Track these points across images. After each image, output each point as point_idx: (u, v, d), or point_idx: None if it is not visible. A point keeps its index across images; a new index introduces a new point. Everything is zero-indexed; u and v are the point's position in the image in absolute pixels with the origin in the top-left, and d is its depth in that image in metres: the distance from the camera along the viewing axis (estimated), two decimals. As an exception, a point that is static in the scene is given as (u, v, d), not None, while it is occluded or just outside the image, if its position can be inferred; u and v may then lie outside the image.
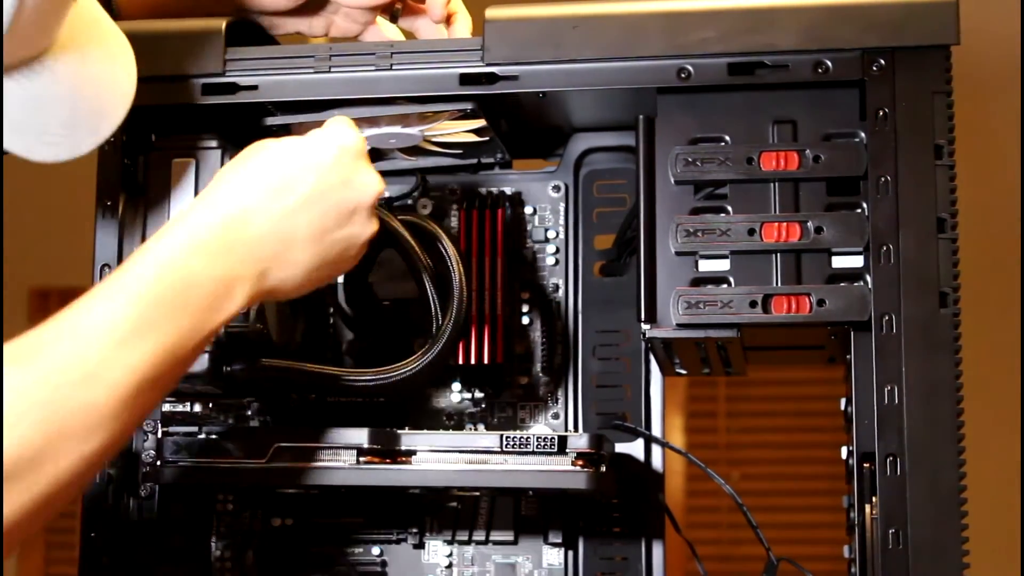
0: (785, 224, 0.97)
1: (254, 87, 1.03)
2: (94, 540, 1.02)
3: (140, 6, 1.12)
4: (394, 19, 1.13)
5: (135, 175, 1.05)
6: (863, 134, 0.97)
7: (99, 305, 0.84)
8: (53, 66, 0.88)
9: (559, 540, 1.11)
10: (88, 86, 0.90)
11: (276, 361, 1.01)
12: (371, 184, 0.95)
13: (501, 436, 0.99)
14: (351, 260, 0.96)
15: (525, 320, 1.15)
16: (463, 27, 1.12)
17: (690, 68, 0.99)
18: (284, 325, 1.07)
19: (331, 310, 1.15)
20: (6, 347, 0.81)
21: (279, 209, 0.91)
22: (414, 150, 1.10)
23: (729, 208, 0.98)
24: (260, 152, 0.93)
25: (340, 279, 1.12)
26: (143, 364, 0.84)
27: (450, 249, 1.02)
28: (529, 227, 1.15)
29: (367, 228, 0.95)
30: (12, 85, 0.86)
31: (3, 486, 0.77)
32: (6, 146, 0.88)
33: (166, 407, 1.07)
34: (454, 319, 1.01)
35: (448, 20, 1.11)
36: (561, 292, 1.15)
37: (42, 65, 0.87)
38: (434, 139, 1.08)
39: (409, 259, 1.03)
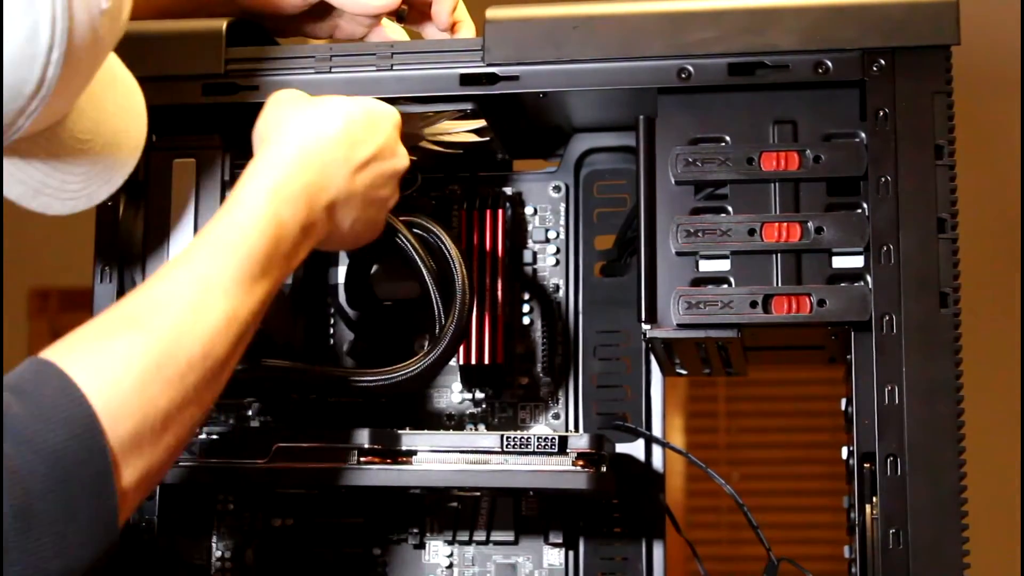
0: (785, 224, 0.97)
1: (254, 87, 1.03)
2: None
3: (143, 7, 1.12)
4: (400, 20, 1.13)
5: (135, 175, 1.05)
6: (863, 134, 0.97)
7: (206, 261, 0.87)
8: (72, 128, 0.89)
9: (559, 540, 1.11)
10: (104, 141, 0.92)
11: (278, 362, 1.01)
12: (406, 156, 1.01)
13: (502, 436, 0.99)
14: (379, 225, 1.01)
15: (525, 320, 1.15)
16: (467, 35, 1.12)
17: (690, 68, 0.99)
18: (285, 326, 1.07)
19: (331, 311, 1.15)
20: (117, 310, 0.83)
21: (348, 162, 0.96)
22: (414, 150, 1.10)
23: (729, 208, 0.98)
24: (314, 102, 0.98)
25: (341, 279, 1.12)
26: (251, 314, 0.88)
27: (452, 249, 1.02)
28: (529, 227, 1.15)
29: (395, 195, 1.01)
30: (36, 150, 0.87)
31: (132, 454, 0.79)
32: (26, 204, 0.89)
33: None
34: (457, 319, 1.00)
35: (452, 28, 1.11)
36: (561, 292, 1.15)
37: (62, 127, 0.88)
38: (434, 139, 1.08)
39: (411, 259, 1.03)
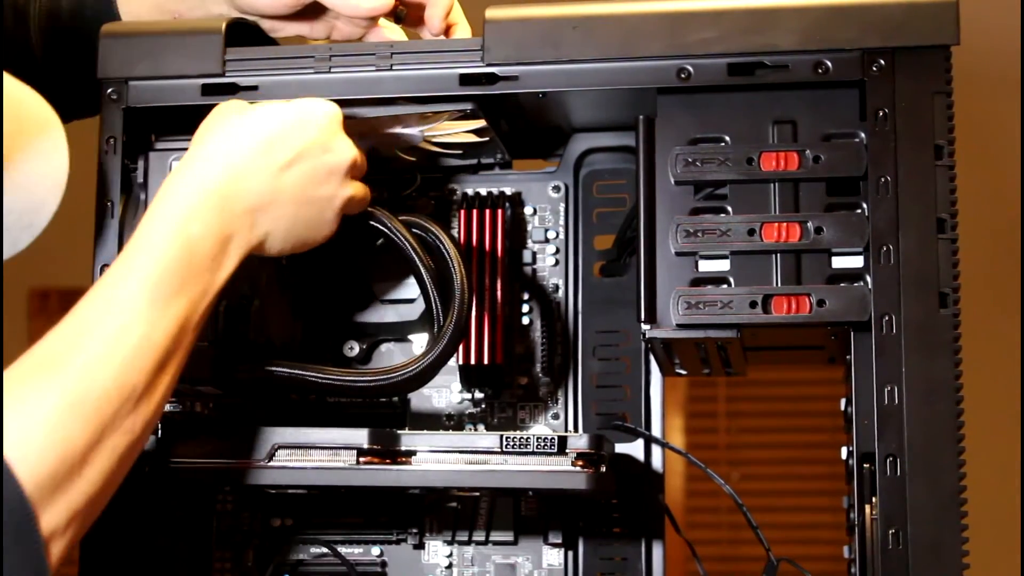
0: (785, 224, 0.97)
1: (254, 87, 1.03)
2: (94, 541, 1.02)
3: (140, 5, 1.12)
4: (399, 20, 1.13)
5: (135, 175, 1.05)
6: (863, 134, 0.97)
7: (115, 291, 0.87)
8: None
9: (559, 540, 1.11)
10: (16, 188, 0.92)
11: (278, 362, 1.01)
12: (347, 150, 0.98)
13: (501, 436, 0.99)
14: (328, 224, 0.99)
15: (525, 320, 1.15)
16: (462, 37, 1.12)
17: (690, 68, 0.99)
18: (284, 327, 1.07)
19: (330, 311, 1.15)
20: (31, 356, 0.83)
21: (267, 165, 0.94)
22: (414, 150, 1.10)
23: (729, 208, 0.98)
24: (243, 110, 0.97)
25: (340, 280, 1.12)
26: (168, 336, 0.87)
27: (451, 249, 1.02)
28: (529, 227, 1.15)
29: (341, 192, 0.98)
30: None
31: (54, 496, 0.80)
32: None
33: (167, 407, 1.07)
34: (456, 319, 1.00)
35: (447, 32, 1.11)
36: (561, 292, 1.15)
37: None
38: (434, 139, 1.08)
39: (410, 259, 1.03)
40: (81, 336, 0.84)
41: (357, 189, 1.00)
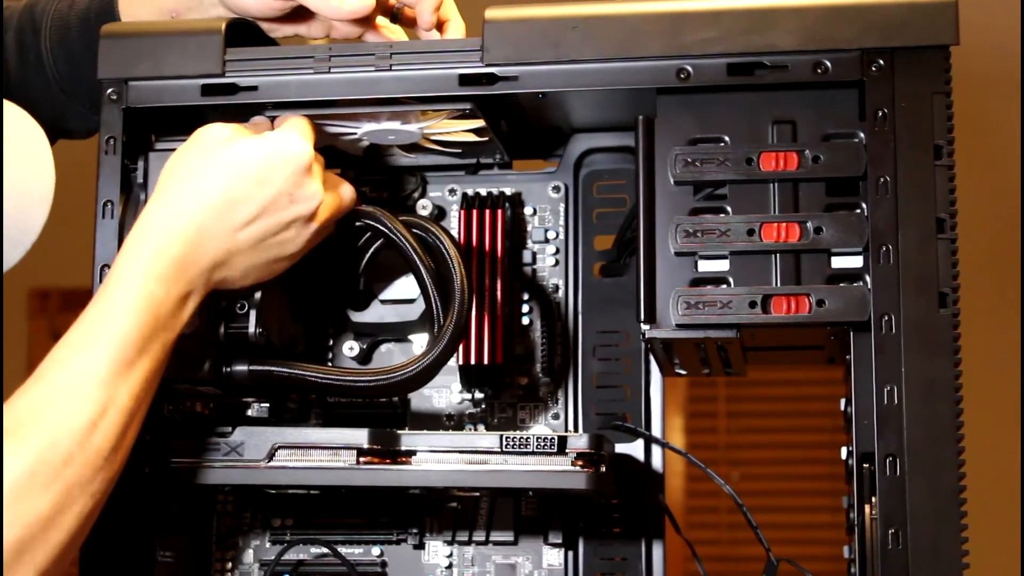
0: (785, 224, 0.97)
1: (254, 88, 1.03)
2: (94, 541, 1.02)
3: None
4: (395, 19, 1.13)
5: (135, 175, 1.05)
6: (863, 134, 0.97)
7: (80, 357, 0.88)
8: None
9: (559, 540, 1.11)
10: (3, 207, 0.91)
11: (279, 363, 1.01)
12: (312, 198, 0.98)
13: (501, 436, 0.99)
14: (288, 260, 1.00)
15: (525, 320, 1.15)
16: (456, 34, 1.12)
17: (689, 68, 0.99)
18: (284, 327, 1.07)
19: (330, 311, 1.15)
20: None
21: (227, 225, 0.95)
22: (414, 147, 1.10)
23: (729, 208, 0.98)
24: (210, 158, 0.96)
25: (339, 280, 1.12)
26: (132, 397, 0.88)
27: (451, 250, 1.02)
28: (529, 227, 1.15)
29: (302, 234, 0.99)
30: None
31: (20, 561, 0.82)
32: None
33: (167, 407, 1.07)
34: (456, 319, 1.00)
35: (440, 28, 1.11)
36: (561, 292, 1.15)
37: None
38: (433, 137, 1.08)
39: (410, 260, 1.03)
40: (44, 402, 0.85)
41: (327, 212, 0.99)
